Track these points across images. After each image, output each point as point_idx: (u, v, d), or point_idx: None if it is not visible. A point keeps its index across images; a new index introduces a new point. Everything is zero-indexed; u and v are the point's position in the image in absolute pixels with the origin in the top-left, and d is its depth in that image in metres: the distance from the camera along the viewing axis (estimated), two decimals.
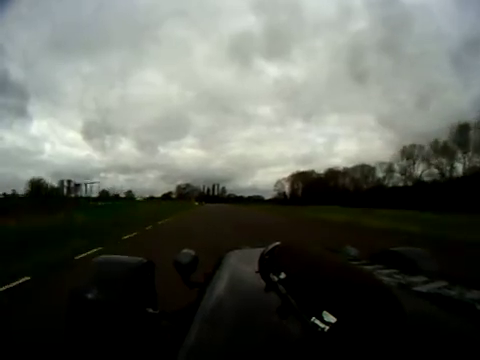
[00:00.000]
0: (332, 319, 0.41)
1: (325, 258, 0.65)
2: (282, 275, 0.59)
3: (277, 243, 0.76)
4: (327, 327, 0.40)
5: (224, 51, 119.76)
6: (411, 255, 1.29)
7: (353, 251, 1.48)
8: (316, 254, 0.67)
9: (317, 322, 0.41)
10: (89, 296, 0.93)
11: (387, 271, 0.87)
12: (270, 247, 0.75)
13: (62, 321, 0.96)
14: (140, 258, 1.16)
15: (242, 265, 0.94)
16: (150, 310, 1.00)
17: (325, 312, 0.42)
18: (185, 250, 1.25)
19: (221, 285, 0.75)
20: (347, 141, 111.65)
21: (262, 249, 0.79)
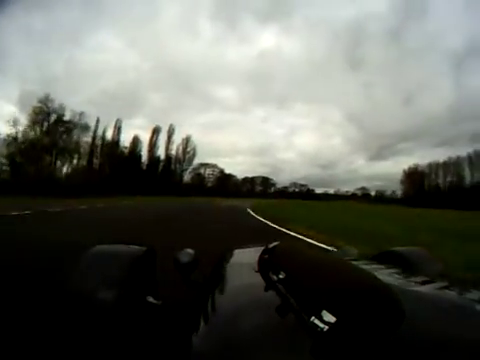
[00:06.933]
0: (331, 319, 0.41)
1: (325, 258, 0.65)
2: (282, 274, 0.59)
3: (277, 243, 0.76)
4: (326, 327, 0.40)
5: (200, 11, 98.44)
6: (411, 255, 1.29)
7: (353, 251, 1.48)
8: (316, 254, 0.68)
9: (316, 322, 0.41)
10: (87, 286, 0.92)
11: (387, 271, 0.87)
12: (270, 247, 0.75)
13: None
14: (141, 246, 1.15)
15: (242, 264, 0.95)
16: (151, 299, 0.99)
17: (324, 312, 0.42)
18: (185, 249, 1.25)
19: (221, 284, 0.75)
20: (307, 135, 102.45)
21: (262, 248, 0.79)
